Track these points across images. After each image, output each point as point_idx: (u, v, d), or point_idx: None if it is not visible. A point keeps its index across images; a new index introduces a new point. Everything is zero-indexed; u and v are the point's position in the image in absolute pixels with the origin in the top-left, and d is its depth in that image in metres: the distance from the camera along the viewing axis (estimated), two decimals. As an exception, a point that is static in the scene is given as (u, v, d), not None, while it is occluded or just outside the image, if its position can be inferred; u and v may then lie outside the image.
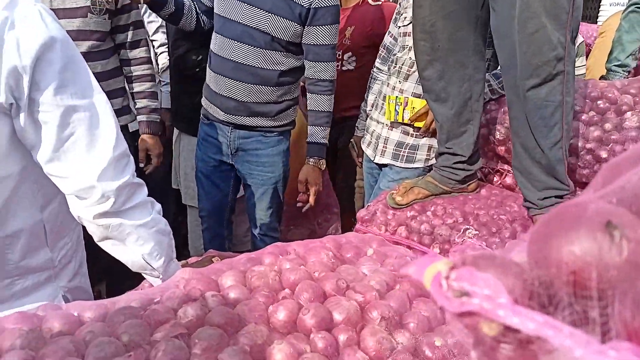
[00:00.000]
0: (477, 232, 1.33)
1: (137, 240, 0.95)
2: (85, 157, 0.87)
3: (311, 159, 1.87)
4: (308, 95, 1.87)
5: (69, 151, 0.87)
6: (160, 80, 2.43)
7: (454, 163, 1.52)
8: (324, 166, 1.90)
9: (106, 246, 0.98)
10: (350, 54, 2.35)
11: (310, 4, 1.70)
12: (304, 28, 1.73)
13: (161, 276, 1.00)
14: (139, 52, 1.88)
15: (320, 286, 0.77)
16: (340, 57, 2.37)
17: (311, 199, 1.89)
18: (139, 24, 1.89)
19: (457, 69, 1.41)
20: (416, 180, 1.59)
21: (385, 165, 1.95)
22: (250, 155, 1.90)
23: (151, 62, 1.94)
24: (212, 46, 1.83)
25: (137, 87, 1.90)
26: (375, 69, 2.10)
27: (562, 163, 1.28)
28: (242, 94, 1.79)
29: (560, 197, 1.31)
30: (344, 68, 2.37)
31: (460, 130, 1.47)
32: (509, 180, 1.69)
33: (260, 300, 0.75)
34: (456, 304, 0.24)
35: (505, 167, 1.71)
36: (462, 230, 1.35)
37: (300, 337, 0.70)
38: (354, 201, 2.56)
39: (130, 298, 0.76)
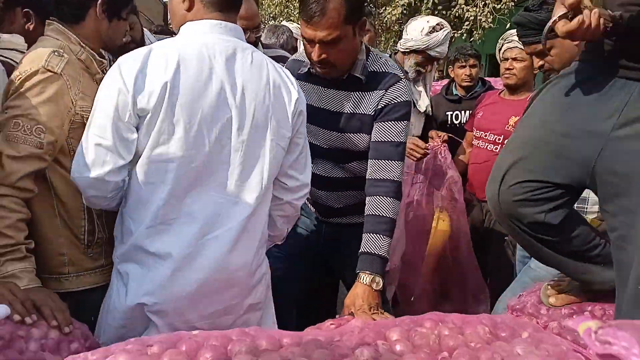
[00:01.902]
0: None
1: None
2: (303, 169, 1.45)
3: (364, 275, 1.44)
4: (367, 199, 1.57)
5: (298, 164, 1.43)
6: None
7: None
8: (380, 285, 1.44)
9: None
10: None
11: (377, 105, 1.58)
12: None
13: None
14: None
15: (477, 355, 0.88)
16: (501, 141, 2.47)
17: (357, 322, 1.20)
18: None
19: None
20: (573, 283, 1.56)
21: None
22: (344, 245, 1.82)
23: None
24: None
25: None
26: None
27: None
28: (334, 201, 1.83)
29: None
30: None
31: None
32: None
33: (422, 357, 0.89)
34: (601, 348, 0.37)
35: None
36: (623, 335, 1.31)
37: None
38: (507, 283, 2.53)
39: (316, 333, 0.95)
